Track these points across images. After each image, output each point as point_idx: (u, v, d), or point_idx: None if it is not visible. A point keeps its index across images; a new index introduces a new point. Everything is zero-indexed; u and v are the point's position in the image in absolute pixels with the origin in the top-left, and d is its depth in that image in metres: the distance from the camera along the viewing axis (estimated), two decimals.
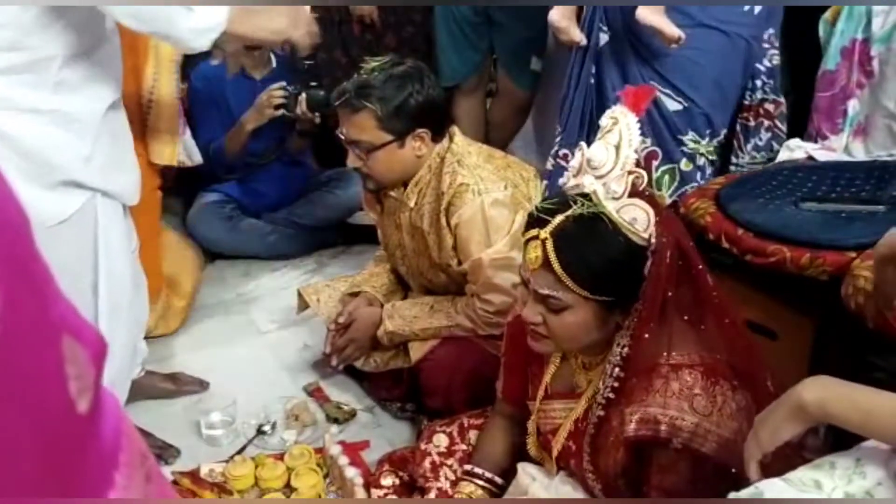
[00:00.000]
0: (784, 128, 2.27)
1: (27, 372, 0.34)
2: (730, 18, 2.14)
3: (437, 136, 1.91)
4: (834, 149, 2.12)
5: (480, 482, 1.59)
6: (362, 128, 1.85)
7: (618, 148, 1.23)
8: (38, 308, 0.35)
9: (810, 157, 2.12)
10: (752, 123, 2.26)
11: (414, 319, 2.02)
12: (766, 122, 2.25)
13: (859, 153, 2.10)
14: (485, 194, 1.84)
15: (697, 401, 1.21)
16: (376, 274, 2.23)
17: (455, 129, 1.98)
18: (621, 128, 1.24)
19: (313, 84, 2.71)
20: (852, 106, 2.11)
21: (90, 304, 1.68)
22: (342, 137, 1.91)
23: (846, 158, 2.10)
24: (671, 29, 2.07)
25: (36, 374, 0.35)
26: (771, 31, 2.20)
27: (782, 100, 2.25)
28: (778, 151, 2.22)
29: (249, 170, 3.01)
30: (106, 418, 0.40)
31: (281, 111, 2.73)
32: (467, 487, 1.60)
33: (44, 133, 1.51)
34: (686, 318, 1.27)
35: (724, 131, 2.27)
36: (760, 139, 2.27)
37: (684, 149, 2.23)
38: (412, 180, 1.94)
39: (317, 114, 2.71)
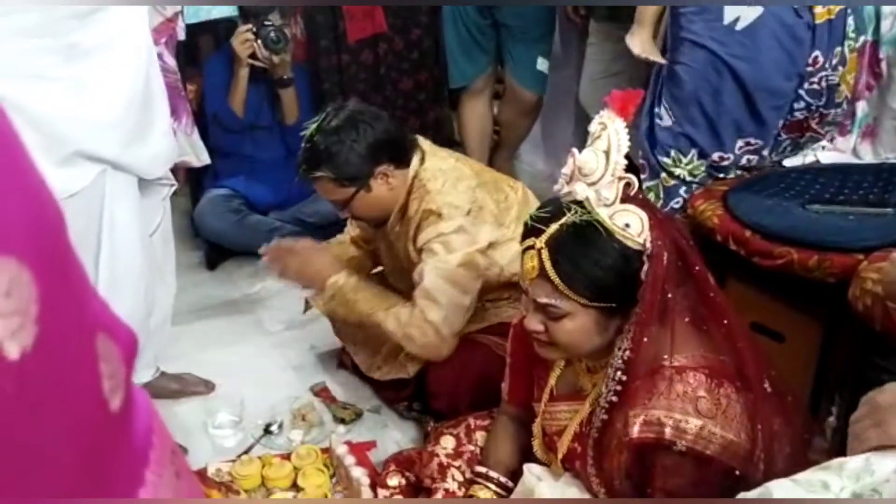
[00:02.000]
0: (823, 130, 2.15)
1: (63, 371, 0.34)
2: (709, 34, 2.02)
3: (401, 164, 1.92)
4: (842, 151, 2.12)
5: (493, 486, 1.60)
6: (326, 191, 1.92)
7: (607, 154, 1.22)
8: (75, 307, 0.36)
9: (818, 160, 2.12)
10: (785, 137, 2.15)
11: (365, 285, 2.00)
12: (807, 134, 2.16)
13: (867, 155, 2.10)
14: (447, 220, 1.85)
15: (702, 403, 1.20)
16: (342, 244, 2.27)
17: (426, 148, 1.96)
18: (610, 133, 1.23)
19: (267, 23, 2.81)
20: (861, 108, 2.10)
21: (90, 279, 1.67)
22: None
23: (854, 160, 2.10)
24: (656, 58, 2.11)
25: (72, 372, 0.35)
26: (817, 53, 2.01)
27: (830, 111, 2.11)
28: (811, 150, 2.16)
29: (255, 143, 3.10)
30: (137, 416, 0.41)
31: (251, 49, 2.82)
32: (481, 491, 1.60)
33: (56, 102, 1.46)
34: (688, 319, 1.27)
35: (718, 154, 2.12)
36: (791, 150, 2.19)
37: (666, 164, 2.15)
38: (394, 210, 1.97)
39: (273, 54, 2.82)
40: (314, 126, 1.89)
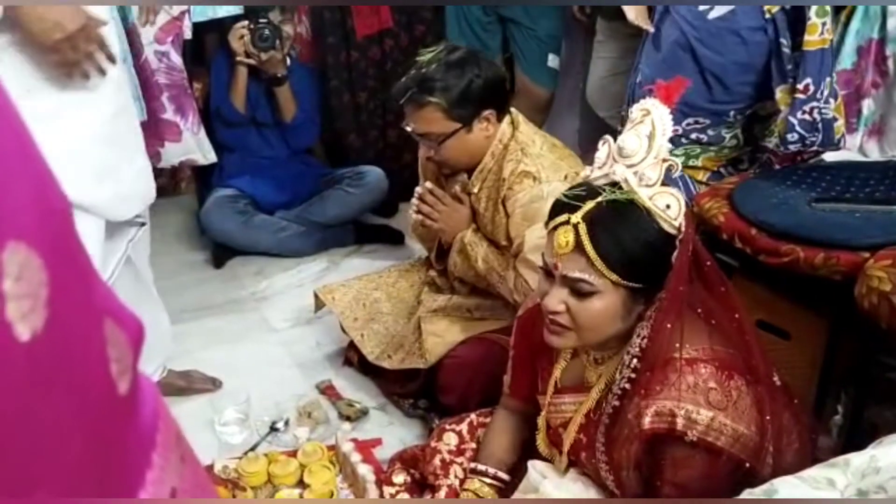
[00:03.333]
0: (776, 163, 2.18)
1: (73, 353, 0.35)
2: (685, 15, 2.15)
3: (501, 115, 1.94)
4: (848, 148, 2.12)
5: (487, 479, 1.60)
6: (430, 121, 1.89)
7: (650, 137, 1.24)
8: (83, 292, 0.37)
9: (823, 158, 2.12)
10: (777, 166, 2.19)
11: (484, 244, 2.02)
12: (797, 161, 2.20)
13: (874, 153, 2.10)
14: (545, 183, 1.86)
15: (713, 395, 1.21)
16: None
17: (519, 117, 1.99)
18: (654, 118, 1.25)
19: (262, 21, 2.88)
20: (867, 105, 2.10)
21: None
22: (409, 131, 1.94)
23: (860, 158, 2.09)
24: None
25: (81, 355, 0.36)
26: (808, 80, 2.03)
27: (825, 150, 2.12)
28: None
29: (257, 137, 3.15)
30: (144, 400, 0.41)
31: (246, 38, 2.90)
32: (473, 484, 1.60)
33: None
34: (699, 312, 1.28)
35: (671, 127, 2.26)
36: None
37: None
38: (477, 168, 1.97)
39: (261, 52, 2.89)
40: (431, 55, 1.88)
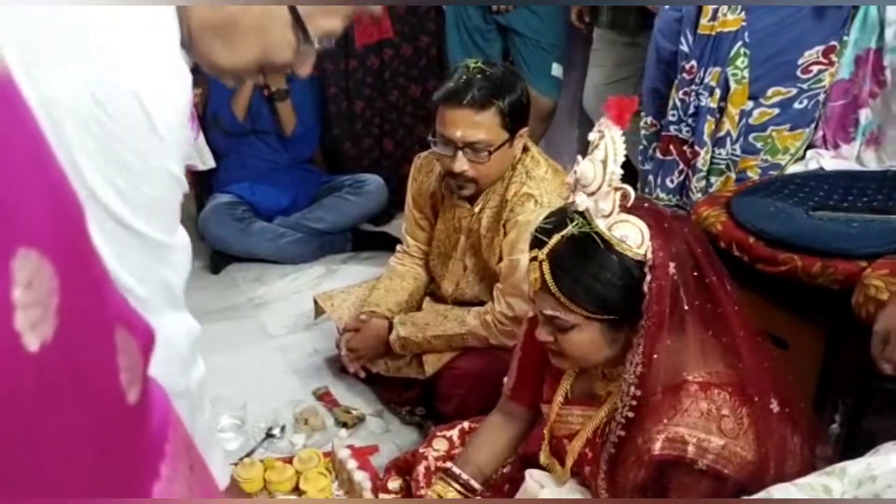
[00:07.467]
0: (696, 183, 2.09)
1: (83, 364, 0.34)
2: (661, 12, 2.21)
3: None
4: (846, 158, 2.12)
5: (456, 485, 1.54)
6: (484, 126, 1.80)
7: (604, 164, 1.20)
8: (95, 299, 0.36)
9: (822, 167, 2.12)
10: (663, 157, 2.17)
11: (426, 326, 2.01)
12: (681, 165, 2.14)
13: (871, 162, 2.09)
14: (546, 207, 1.81)
15: (725, 422, 1.17)
16: (392, 290, 2.20)
17: (529, 140, 1.96)
18: (606, 142, 1.21)
19: None
20: (865, 115, 2.10)
21: None
22: (450, 139, 1.83)
23: (858, 167, 2.09)
24: None
25: (90, 365, 0.35)
26: (693, 62, 2.05)
27: (701, 150, 2.06)
28: (690, 198, 2.13)
29: (254, 144, 3.14)
30: (154, 409, 0.40)
31: None
32: (438, 485, 1.55)
33: None
34: (710, 332, 1.24)
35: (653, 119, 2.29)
36: (671, 180, 2.16)
37: None
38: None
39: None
40: (479, 64, 1.84)
